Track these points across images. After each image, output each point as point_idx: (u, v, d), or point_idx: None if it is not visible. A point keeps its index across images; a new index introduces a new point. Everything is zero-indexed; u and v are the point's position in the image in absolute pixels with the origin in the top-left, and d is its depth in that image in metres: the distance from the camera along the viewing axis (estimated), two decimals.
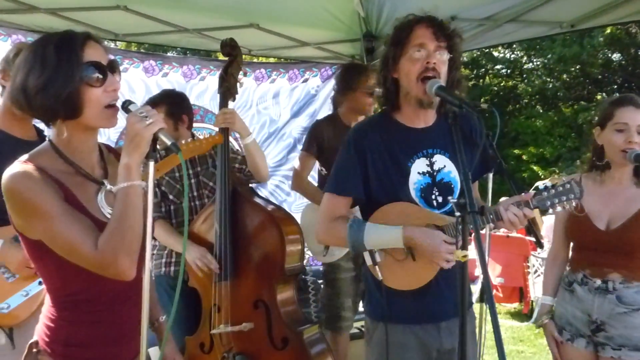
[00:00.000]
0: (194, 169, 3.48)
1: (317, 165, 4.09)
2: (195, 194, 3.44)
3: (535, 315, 2.78)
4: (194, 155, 3.08)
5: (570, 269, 2.78)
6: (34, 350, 1.73)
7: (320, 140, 3.88)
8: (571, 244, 2.82)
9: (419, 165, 2.18)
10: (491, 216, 2.04)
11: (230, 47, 3.28)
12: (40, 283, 2.33)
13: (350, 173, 2.19)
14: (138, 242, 1.59)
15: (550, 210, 2.08)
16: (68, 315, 1.70)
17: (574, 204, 2.07)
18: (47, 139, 1.71)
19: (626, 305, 2.56)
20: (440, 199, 2.19)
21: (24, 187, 1.56)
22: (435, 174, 2.20)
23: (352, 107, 3.86)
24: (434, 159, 2.20)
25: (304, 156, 4.00)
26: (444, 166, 2.21)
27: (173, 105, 3.41)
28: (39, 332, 1.74)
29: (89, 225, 1.60)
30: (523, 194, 2.11)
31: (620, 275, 2.58)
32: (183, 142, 2.86)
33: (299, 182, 4.01)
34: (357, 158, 2.18)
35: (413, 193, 2.16)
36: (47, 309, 1.74)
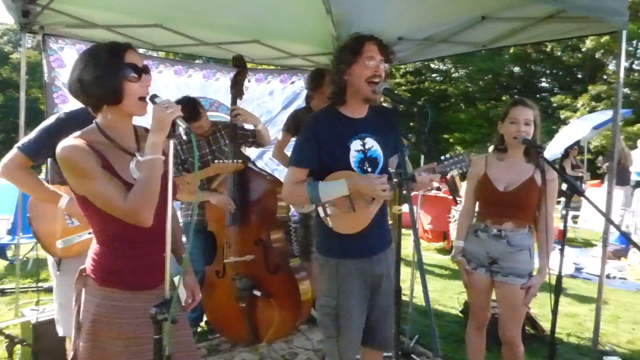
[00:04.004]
0: (210, 148, 3.48)
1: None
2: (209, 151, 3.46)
3: (452, 253, 2.83)
4: (220, 172, 3.00)
5: (476, 220, 2.80)
6: (84, 274, 1.73)
7: (296, 123, 3.89)
8: (477, 202, 2.84)
9: (356, 145, 2.15)
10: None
11: (239, 61, 3.29)
12: (90, 233, 2.32)
13: (307, 150, 2.15)
14: (156, 199, 1.56)
15: (450, 174, 2.11)
16: (107, 250, 1.68)
17: (464, 169, 2.10)
18: (94, 122, 1.68)
19: (514, 247, 2.62)
20: (369, 169, 2.17)
21: (73, 156, 1.53)
22: (366, 151, 2.17)
23: (322, 99, 3.83)
24: (365, 141, 2.17)
25: (284, 134, 4.00)
26: (372, 146, 2.19)
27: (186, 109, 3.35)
28: (87, 263, 1.72)
29: (120, 185, 1.57)
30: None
31: (512, 223, 2.63)
32: (216, 162, 2.82)
33: (278, 152, 4.02)
34: (314, 138, 2.13)
35: (352, 164, 2.14)
36: (93, 246, 1.73)
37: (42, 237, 2.39)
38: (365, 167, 2.16)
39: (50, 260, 2.45)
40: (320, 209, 2.15)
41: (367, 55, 2.08)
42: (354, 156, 2.14)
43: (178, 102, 3.25)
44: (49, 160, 2.48)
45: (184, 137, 3.44)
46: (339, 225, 2.14)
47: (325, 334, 2.22)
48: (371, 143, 2.19)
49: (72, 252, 2.35)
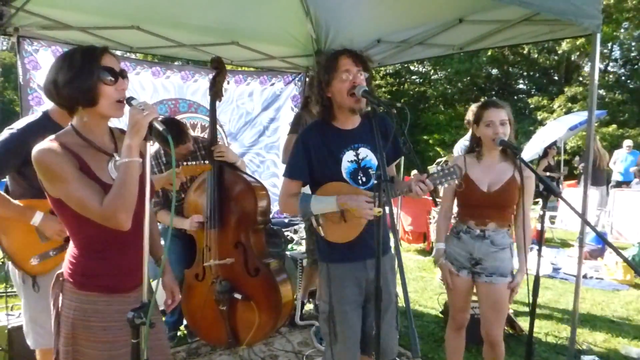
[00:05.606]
0: None
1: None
2: (189, 184, 3.40)
3: (433, 256, 2.81)
4: (189, 174, 3.06)
5: (457, 221, 2.80)
6: (60, 279, 1.71)
7: (303, 124, 3.79)
8: (455, 202, 2.85)
9: (348, 156, 2.19)
10: (405, 189, 2.07)
11: (218, 62, 3.26)
12: (62, 247, 2.26)
13: (298, 163, 2.20)
14: (133, 202, 1.54)
15: (442, 186, 2.11)
16: (84, 253, 1.66)
17: (455, 182, 2.10)
18: (70, 124, 1.66)
19: (496, 246, 2.65)
20: (364, 179, 2.20)
21: (48, 158, 1.52)
22: (360, 161, 2.20)
23: None
24: (359, 151, 2.21)
25: (291, 137, 3.91)
26: (367, 156, 2.22)
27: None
28: (64, 267, 1.70)
29: (96, 188, 1.55)
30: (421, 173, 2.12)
31: (495, 224, 2.66)
32: (185, 163, 2.78)
33: (286, 155, 3.83)
34: (304, 152, 2.18)
35: (345, 175, 2.17)
36: (70, 250, 1.70)
37: (14, 254, 2.30)
38: (358, 178, 2.19)
39: (15, 271, 2.36)
40: (312, 219, 2.19)
41: (342, 69, 2.11)
42: (345, 167, 2.17)
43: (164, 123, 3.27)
44: (8, 176, 2.38)
45: (163, 158, 3.40)
46: (330, 234, 2.18)
47: (326, 341, 2.25)
48: (365, 153, 2.22)
49: (48, 268, 2.28)
